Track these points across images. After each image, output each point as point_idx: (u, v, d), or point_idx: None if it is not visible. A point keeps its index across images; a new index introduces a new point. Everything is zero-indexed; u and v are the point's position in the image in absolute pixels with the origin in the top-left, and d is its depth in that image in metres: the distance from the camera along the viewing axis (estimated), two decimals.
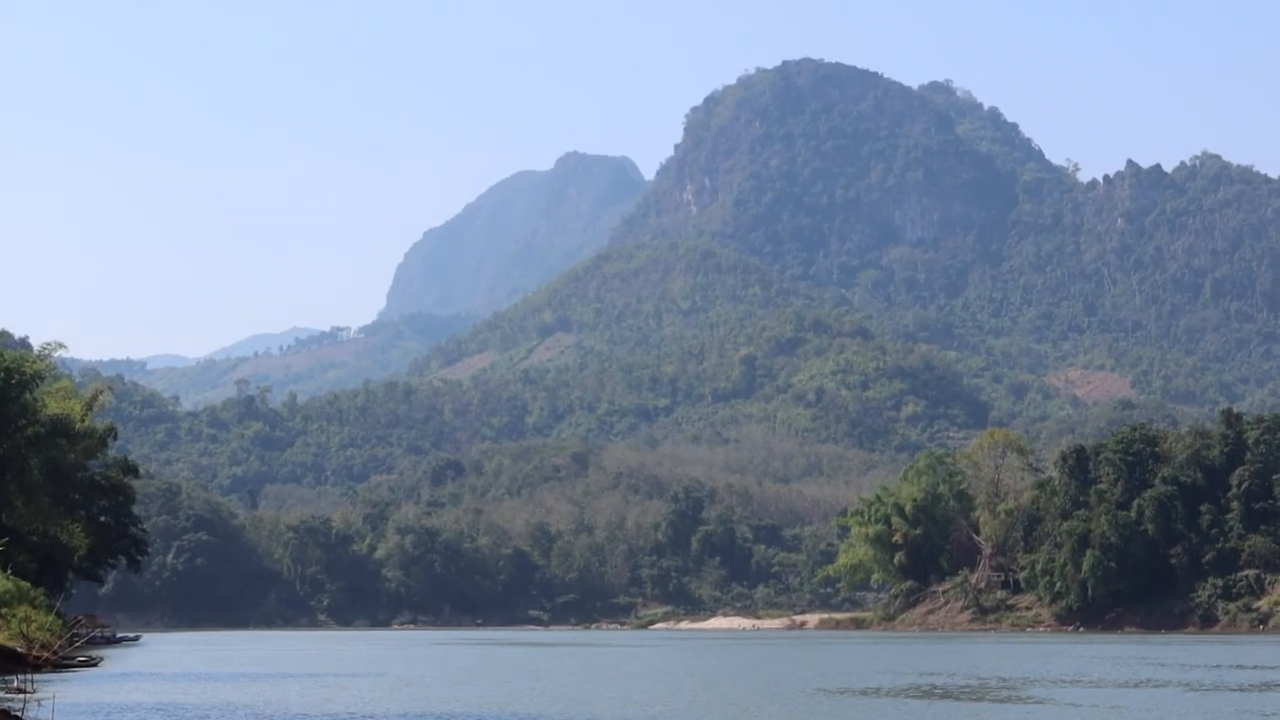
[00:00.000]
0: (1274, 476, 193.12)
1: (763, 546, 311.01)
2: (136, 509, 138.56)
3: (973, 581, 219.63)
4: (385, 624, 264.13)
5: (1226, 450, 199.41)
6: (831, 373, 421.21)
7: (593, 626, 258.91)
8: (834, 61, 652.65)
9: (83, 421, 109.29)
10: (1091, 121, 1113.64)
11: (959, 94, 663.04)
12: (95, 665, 78.46)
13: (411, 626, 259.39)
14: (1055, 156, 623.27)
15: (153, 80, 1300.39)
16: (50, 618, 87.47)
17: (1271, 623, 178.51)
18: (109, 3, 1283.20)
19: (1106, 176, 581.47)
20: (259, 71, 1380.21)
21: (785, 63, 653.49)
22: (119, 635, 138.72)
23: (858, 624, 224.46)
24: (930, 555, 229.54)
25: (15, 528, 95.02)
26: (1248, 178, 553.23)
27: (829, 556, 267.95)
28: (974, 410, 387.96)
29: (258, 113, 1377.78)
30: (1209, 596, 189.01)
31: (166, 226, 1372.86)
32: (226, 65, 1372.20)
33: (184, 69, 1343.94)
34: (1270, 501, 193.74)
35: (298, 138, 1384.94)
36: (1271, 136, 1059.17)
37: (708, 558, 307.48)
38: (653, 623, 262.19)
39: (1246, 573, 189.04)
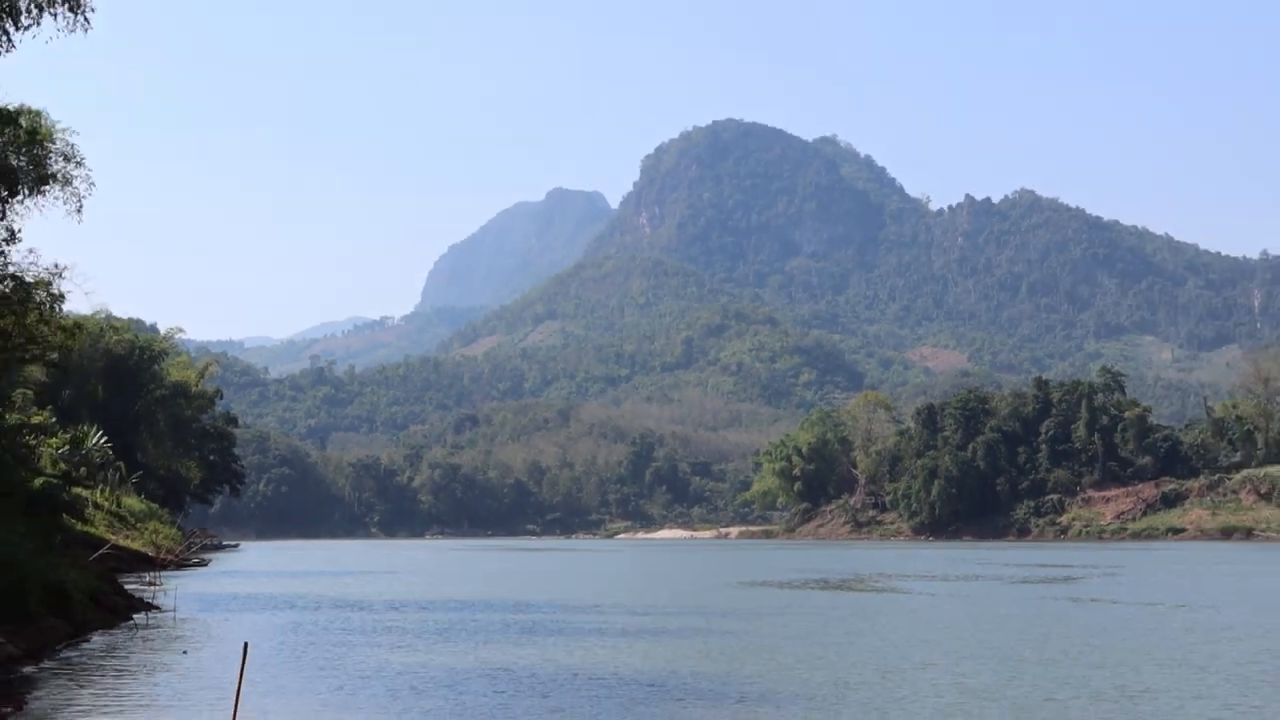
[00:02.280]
0: (1071, 426, 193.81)
1: (698, 478, 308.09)
2: (236, 450, 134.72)
3: (851, 504, 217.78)
4: (420, 535, 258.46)
5: (1037, 407, 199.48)
6: (748, 350, 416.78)
7: (573, 536, 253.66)
8: (751, 121, 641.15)
9: (196, 386, 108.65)
10: (940, 165, 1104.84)
11: (842, 145, 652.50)
12: (205, 565, 76.55)
13: (439, 537, 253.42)
14: (913, 191, 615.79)
15: (233, 122, 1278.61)
16: (172, 530, 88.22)
17: (1070, 533, 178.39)
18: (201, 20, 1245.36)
19: (950, 206, 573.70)
20: (329, 119, 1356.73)
21: (715, 122, 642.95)
22: (223, 543, 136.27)
23: (767, 535, 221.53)
24: (820, 484, 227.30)
25: (147, 464, 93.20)
26: (1054, 207, 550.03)
27: (746, 485, 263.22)
28: (852, 378, 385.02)
29: (328, 151, 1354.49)
30: (1024, 514, 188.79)
31: (260, 235, 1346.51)
32: (307, 110, 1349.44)
33: (268, 107, 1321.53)
34: (1069, 444, 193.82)
35: (359, 170, 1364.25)
36: (1072, 175, 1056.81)
37: (657, 486, 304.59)
38: (617, 534, 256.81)
39: (1051, 496, 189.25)
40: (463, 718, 17.03)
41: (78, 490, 57.80)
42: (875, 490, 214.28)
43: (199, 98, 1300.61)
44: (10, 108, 28.17)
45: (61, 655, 24.07)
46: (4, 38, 25.76)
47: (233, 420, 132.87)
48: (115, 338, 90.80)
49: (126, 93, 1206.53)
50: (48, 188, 28.78)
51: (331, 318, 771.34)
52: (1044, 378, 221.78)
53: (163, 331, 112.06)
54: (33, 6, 25.62)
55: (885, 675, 22.14)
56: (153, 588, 44.18)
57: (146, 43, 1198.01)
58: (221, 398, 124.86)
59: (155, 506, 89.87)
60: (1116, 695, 19.61)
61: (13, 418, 43.44)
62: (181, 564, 70.49)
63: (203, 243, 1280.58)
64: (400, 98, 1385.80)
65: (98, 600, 32.07)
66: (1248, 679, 21.72)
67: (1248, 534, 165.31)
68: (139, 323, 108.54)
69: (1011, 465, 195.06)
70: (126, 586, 40.01)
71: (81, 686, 20.08)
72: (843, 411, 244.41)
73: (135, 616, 33.55)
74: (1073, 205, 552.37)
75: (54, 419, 66.27)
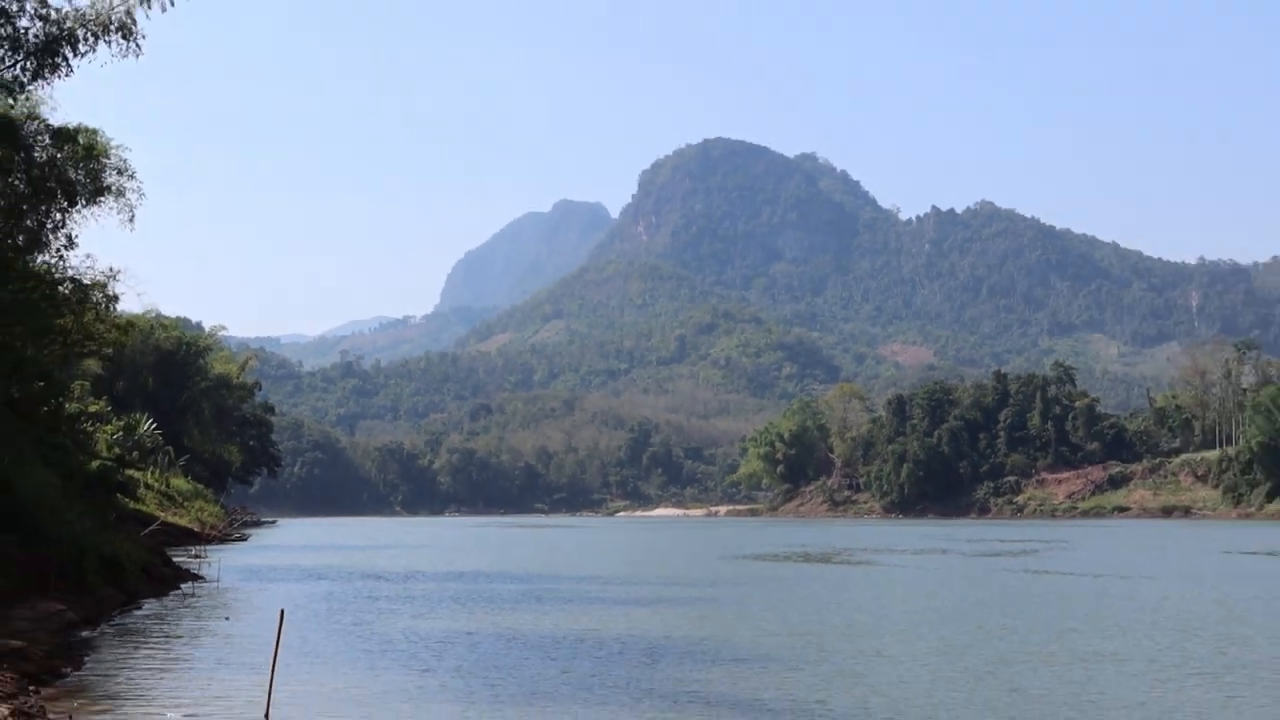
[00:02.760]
0: (1027, 415, 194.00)
1: (690, 461, 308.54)
2: (273, 436, 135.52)
3: (828, 485, 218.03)
4: (439, 513, 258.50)
5: (996, 398, 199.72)
6: (735, 346, 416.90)
7: (577, 514, 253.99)
8: (738, 139, 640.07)
9: (237, 378, 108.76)
10: (909, 178, 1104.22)
11: (820, 161, 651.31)
12: (245, 540, 76.38)
13: (457, 514, 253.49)
14: (884, 202, 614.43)
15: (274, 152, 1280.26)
16: (216, 508, 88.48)
17: (1025, 511, 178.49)
18: (222, 33, 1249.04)
19: (917, 216, 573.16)
20: (356, 137, 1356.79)
21: (705, 140, 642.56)
22: (261, 520, 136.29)
23: (753, 513, 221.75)
24: (800, 467, 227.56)
25: (193, 449, 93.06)
26: (1011, 217, 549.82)
27: (734, 468, 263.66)
28: (829, 371, 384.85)
29: (355, 164, 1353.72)
30: (984, 494, 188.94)
31: (294, 241, 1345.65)
32: (337, 129, 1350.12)
33: (303, 125, 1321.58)
34: (1025, 431, 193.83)
35: (384, 181, 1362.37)
36: (1028, 187, 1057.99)
37: (653, 469, 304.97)
38: (617, 512, 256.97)
39: (1009, 478, 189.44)
40: (480, 678, 17.05)
41: (130, 472, 57.86)
42: (850, 473, 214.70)
43: (242, 115, 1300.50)
44: (69, 126, 28.18)
45: (116, 621, 24.13)
46: (64, 63, 25.78)
47: (270, 409, 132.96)
48: (164, 335, 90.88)
49: (173, 107, 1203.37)
50: (103, 199, 28.79)
51: (359, 317, 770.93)
52: (1002, 371, 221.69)
53: (207, 329, 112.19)
54: (89, 35, 25.64)
55: (856, 639, 22.23)
56: (198, 560, 44.32)
57: (186, 59, 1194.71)
58: (260, 389, 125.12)
59: (200, 487, 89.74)
60: (1068, 658, 19.68)
61: (72, 406, 43.49)
62: (224, 539, 70.60)
63: (243, 248, 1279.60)
64: (422, 117, 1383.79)
65: (148, 572, 32.21)
66: (1184, 640, 21.82)
67: (1186, 512, 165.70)
68: (186, 321, 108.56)
69: (973, 450, 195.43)
70: (174, 559, 40.09)
71: (134, 649, 20.15)
72: (821, 402, 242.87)
73: (182, 586, 33.63)
74: (1028, 215, 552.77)
75: (109, 408, 66.37)
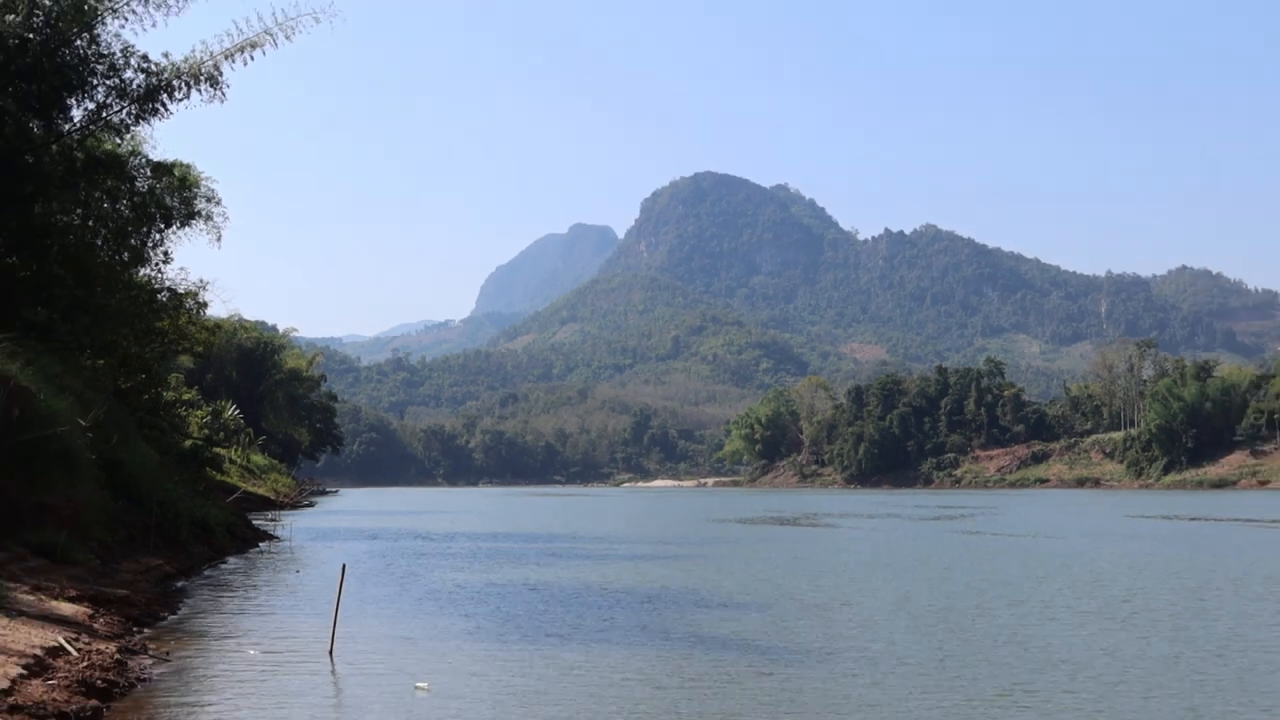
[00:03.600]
0: (964, 402, 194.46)
1: (683, 441, 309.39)
2: (336, 420, 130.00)
3: (798, 460, 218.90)
4: (474, 484, 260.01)
5: (939, 388, 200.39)
6: (721, 345, 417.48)
7: (589, 485, 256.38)
8: (724, 172, 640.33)
9: (306, 371, 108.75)
10: (866, 205, 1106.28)
11: (792, 190, 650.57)
12: (312, 506, 77.01)
13: (489, 485, 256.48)
14: (845, 225, 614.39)
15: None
16: (288, 480, 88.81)
17: (962, 482, 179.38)
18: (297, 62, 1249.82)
19: (873, 236, 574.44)
20: (405, 171, 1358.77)
21: (696, 173, 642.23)
22: (326, 490, 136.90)
23: (735, 484, 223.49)
24: (775, 446, 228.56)
25: (269, 430, 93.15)
26: (951, 237, 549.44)
27: (719, 447, 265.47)
28: (799, 366, 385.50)
29: (404, 193, 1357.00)
30: (928, 468, 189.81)
31: (353, 257, 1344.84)
32: (388, 164, 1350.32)
33: (363, 162, 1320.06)
34: (962, 416, 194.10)
35: (429, 207, 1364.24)
36: (966, 211, 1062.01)
37: (653, 447, 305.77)
38: (622, 483, 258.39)
39: (949, 455, 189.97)
40: (509, 621, 17.05)
41: (217, 450, 57.96)
42: (816, 450, 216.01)
43: (315, 152, 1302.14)
44: (167, 161, 28.22)
45: (205, 573, 24.15)
46: (162, 108, 25.81)
47: (333, 397, 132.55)
48: (245, 335, 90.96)
49: (254, 143, 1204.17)
50: (194, 222, 28.81)
51: (407, 320, 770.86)
52: (943, 366, 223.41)
53: (281, 330, 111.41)
54: (183, 84, 25.65)
55: (821, 587, 22.25)
56: (273, 523, 44.25)
57: (263, 97, 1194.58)
58: (324, 381, 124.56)
59: (275, 462, 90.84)
60: (1000, 604, 19.69)
61: (169, 395, 43.54)
62: (295, 506, 70.76)
63: (311, 263, 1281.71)
64: (461, 155, 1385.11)
65: (232, 532, 32.35)
66: (1096, 589, 21.82)
67: (1096, 483, 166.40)
68: (263, 323, 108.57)
69: (919, 432, 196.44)
70: (254, 522, 40.04)
71: (220, 597, 20.17)
72: (792, 391, 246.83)
73: (260, 545, 33.67)
74: (965, 236, 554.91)
75: (199, 396, 66.49)
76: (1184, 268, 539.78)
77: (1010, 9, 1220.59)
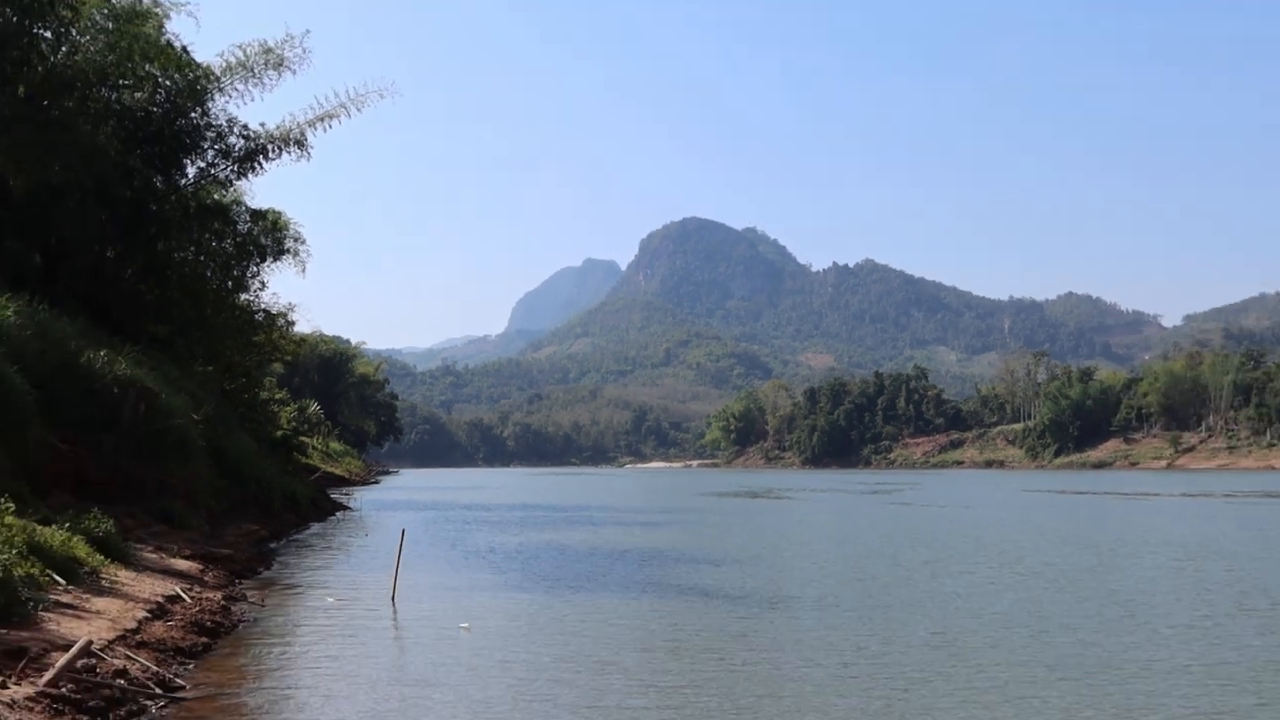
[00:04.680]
0: (896, 400, 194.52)
1: (673, 431, 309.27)
2: (396, 415, 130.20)
3: (765, 447, 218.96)
4: (507, 465, 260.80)
5: (876, 389, 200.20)
6: (703, 356, 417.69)
7: (599, 466, 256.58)
8: (705, 218, 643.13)
9: (373, 376, 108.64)
10: (819, 243, 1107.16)
11: (760, 232, 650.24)
12: (378, 483, 77.29)
13: (519, 467, 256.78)
14: (801, 260, 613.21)
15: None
16: (358, 462, 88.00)
17: (895, 464, 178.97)
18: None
19: (824, 268, 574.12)
20: (451, 208, 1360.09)
21: (684, 218, 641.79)
22: (388, 470, 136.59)
23: (714, 466, 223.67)
24: (746, 435, 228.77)
25: (343, 423, 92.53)
26: (886, 269, 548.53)
27: (701, 436, 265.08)
28: (766, 372, 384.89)
29: (453, 227, 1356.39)
30: (868, 453, 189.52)
31: (411, 282, 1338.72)
32: (437, 200, 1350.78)
33: (418, 197, 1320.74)
34: (895, 411, 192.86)
35: (475, 244, 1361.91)
36: (898, 247, 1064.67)
37: (649, 436, 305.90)
38: (625, 465, 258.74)
39: (884, 442, 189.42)
40: (535, 574, 17.05)
41: (302, 438, 57.81)
42: (779, 439, 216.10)
43: (379, 198, 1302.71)
44: (262, 209, 28.34)
45: (292, 537, 24.15)
46: (259, 166, 25.91)
47: (394, 397, 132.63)
48: (325, 346, 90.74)
49: (332, 186, 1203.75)
50: (284, 257, 28.85)
51: (454, 335, 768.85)
52: (879, 372, 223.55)
53: (353, 343, 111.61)
54: (275, 147, 25.76)
55: (782, 548, 22.25)
56: (346, 496, 44.16)
57: (339, 158, 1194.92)
58: (388, 383, 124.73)
59: (348, 448, 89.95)
60: (921, 560, 19.68)
61: (264, 394, 43.55)
62: (364, 482, 70.45)
63: (377, 287, 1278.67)
64: (499, 203, 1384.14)
65: (314, 504, 32.26)
66: (1002, 549, 21.83)
67: (1001, 464, 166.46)
68: (339, 337, 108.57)
69: (860, 423, 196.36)
70: (331, 496, 40.02)
71: (303, 555, 20.18)
72: (759, 392, 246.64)
73: (336, 514, 33.57)
74: (897, 268, 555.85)
75: (288, 395, 66.27)
76: (1070, 293, 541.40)
77: (934, 71, 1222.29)
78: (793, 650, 10.40)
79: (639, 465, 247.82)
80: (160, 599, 10.97)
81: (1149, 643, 10.78)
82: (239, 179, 26.26)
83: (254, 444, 29.69)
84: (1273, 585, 15.62)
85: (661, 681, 8.92)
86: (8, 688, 6.42)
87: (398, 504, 43.09)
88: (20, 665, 6.95)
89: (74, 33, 21.54)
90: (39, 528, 10.81)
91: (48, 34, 20.81)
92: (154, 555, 13.86)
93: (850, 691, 8.54)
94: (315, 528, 27.30)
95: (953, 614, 12.75)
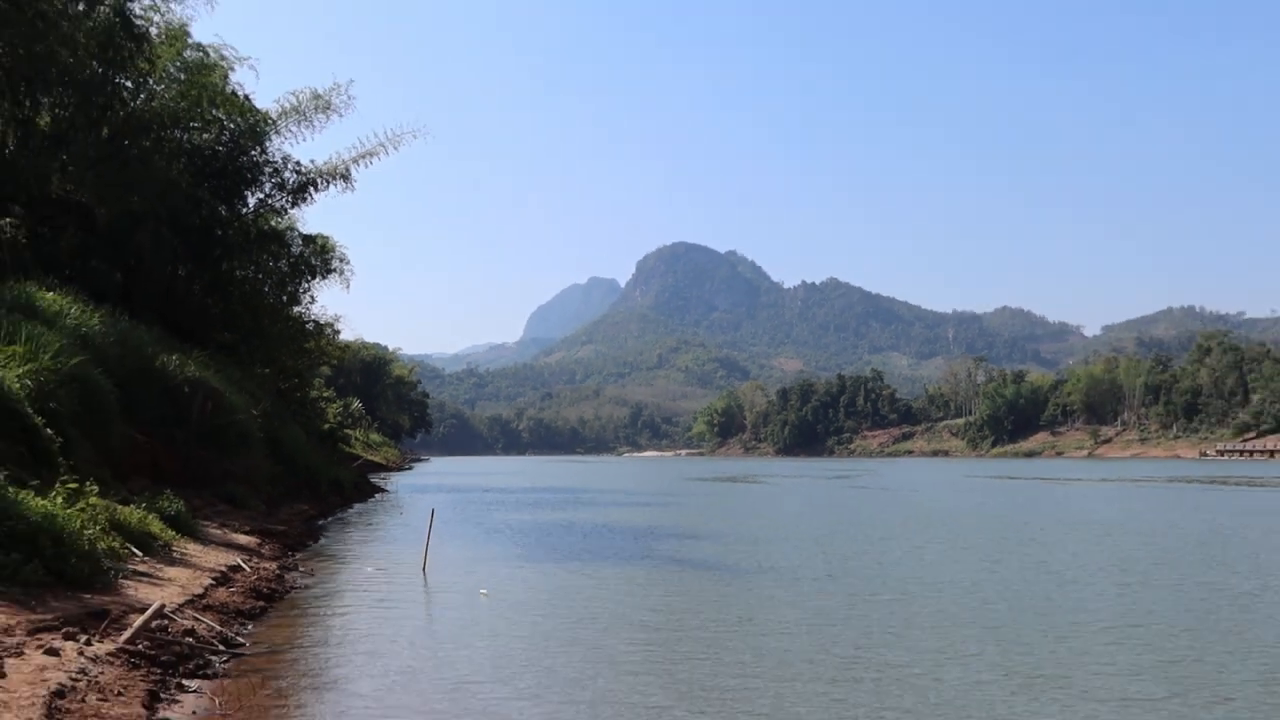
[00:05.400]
0: (856, 398, 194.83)
1: (665, 424, 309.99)
2: (427, 410, 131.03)
3: (744, 438, 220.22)
4: (522, 454, 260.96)
5: (839, 389, 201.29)
6: (691, 360, 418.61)
7: (601, 455, 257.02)
8: (692, 242, 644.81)
9: (407, 378, 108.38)
10: (791, 263, 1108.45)
11: (739, 255, 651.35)
12: (411, 469, 77.34)
13: (532, 455, 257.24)
14: (775, 278, 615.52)
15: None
16: (394, 451, 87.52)
17: (855, 453, 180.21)
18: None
19: (794, 286, 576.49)
20: (478, 234, 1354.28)
21: (674, 242, 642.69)
22: (420, 458, 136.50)
23: (700, 455, 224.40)
24: (727, 428, 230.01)
25: (382, 417, 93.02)
26: (848, 286, 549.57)
27: (689, 429, 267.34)
28: (744, 374, 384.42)
29: (479, 252, 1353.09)
30: (832, 444, 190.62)
31: (438, 298, 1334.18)
32: (465, 226, 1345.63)
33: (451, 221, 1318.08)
34: (855, 408, 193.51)
35: (497, 265, 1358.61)
36: (859, 266, 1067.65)
37: (644, 429, 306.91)
38: (623, 454, 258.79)
39: (845, 434, 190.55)
40: (545, 547, 17.04)
41: (346, 430, 57.83)
42: (756, 431, 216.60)
43: (412, 221, 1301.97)
44: (312, 234, 28.39)
45: (337, 516, 24.11)
46: (309, 196, 25.97)
47: (425, 395, 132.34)
48: (366, 352, 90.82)
49: (376, 209, 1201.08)
50: (330, 275, 28.88)
51: (476, 342, 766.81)
52: (842, 374, 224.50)
53: (390, 349, 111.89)
54: (324, 180, 25.85)
55: (758, 523, 22.25)
56: (384, 481, 43.76)
57: (384, 190, 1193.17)
58: (419, 383, 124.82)
59: (386, 439, 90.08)
60: (873, 537, 19.68)
61: (313, 393, 43.56)
62: (399, 469, 70.10)
63: (410, 301, 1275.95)
64: (517, 227, 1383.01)
65: (356, 487, 32.16)
66: (948, 525, 21.85)
67: (945, 454, 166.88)
68: (378, 344, 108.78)
69: (825, 419, 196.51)
70: (371, 480, 39.91)
71: (347, 531, 20.15)
72: (739, 391, 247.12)
73: (375, 496, 33.41)
74: (857, 285, 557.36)
75: (334, 393, 66.32)
76: (1005, 306, 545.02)
77: (886, 120, 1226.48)
78: (767, 610, 10.41)
79: (635, 454, 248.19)
80: (223, 568, 10.91)
81: (1076, 606, 10.81)
82: (292, 208, 26.40)
83: (304, 436, 29.68)
84: (1177, 555, 15.66)
85: (655, 638, 8.94)
86: (92, 644, 6.48)
87: (428, 487, 42.76)
88: (103, 625, 7.00)
89: (151, 82, 21.67)
90: (119, 507, 10.82)
91: (129, 83, 20.93)
92: (218, 531, 13.84)
93: (818, 646, 8.55)
94: (357, 508, 27.15)
95: (905, 581, 12.76)
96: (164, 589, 8.88)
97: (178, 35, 22.30)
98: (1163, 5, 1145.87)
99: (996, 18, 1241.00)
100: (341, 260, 28.86)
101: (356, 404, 73.35)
